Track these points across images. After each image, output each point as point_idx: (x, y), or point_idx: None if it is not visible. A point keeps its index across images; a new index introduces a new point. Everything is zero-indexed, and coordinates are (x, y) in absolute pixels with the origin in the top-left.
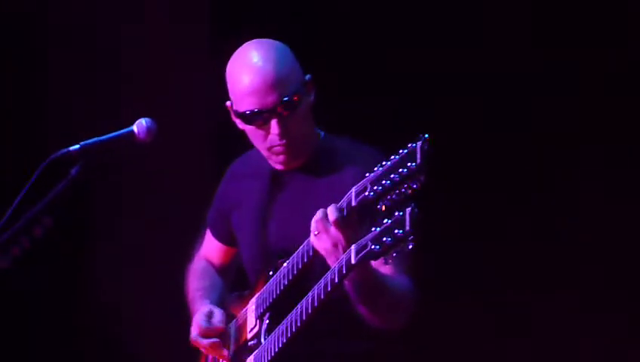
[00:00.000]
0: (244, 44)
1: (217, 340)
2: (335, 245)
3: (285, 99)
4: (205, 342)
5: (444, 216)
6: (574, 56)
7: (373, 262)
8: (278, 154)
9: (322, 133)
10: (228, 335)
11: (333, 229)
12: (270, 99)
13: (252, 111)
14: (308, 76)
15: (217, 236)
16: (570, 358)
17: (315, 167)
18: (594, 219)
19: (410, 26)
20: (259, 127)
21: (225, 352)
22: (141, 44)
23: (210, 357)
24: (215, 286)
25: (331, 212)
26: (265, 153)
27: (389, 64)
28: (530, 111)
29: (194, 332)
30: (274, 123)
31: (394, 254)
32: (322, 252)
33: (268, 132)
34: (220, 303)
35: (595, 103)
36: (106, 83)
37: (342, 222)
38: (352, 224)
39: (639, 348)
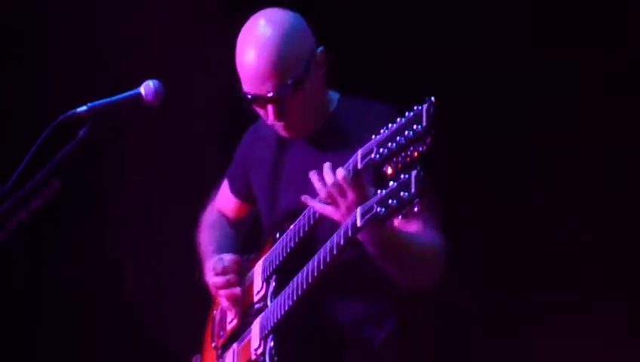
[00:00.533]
0: (252, 19)
1: (232, 276)
2: (344, 206)
3: (280, 88)
4: (220, 280)
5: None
6: (573, 57)
7: (399, 221)
8: (280, 131)
9: (336, 97)
10: (241, 276)
11: (340, 190)
12: (265, 88)
13: (250, 95)
14: (320, 49)
15: (234, 190)
16: (571, 358)
17: (327, 134)
18: (594, 219)
19: (408, 28)
20: (259, 108)
21: (237, 290)
22: (150, 5)
23: (217, 316)
24: (227, 240)
25: (339, 173)
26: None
27: (388, 65)
28: (528, 113)
29: (208, 275)
30: (270, 108)
31: (400, 217)
32: (330, 214)
33: (267, 113)
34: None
35: (595, 104)
36: (111, 44)
37: (349, 183)
38: (359, 185)
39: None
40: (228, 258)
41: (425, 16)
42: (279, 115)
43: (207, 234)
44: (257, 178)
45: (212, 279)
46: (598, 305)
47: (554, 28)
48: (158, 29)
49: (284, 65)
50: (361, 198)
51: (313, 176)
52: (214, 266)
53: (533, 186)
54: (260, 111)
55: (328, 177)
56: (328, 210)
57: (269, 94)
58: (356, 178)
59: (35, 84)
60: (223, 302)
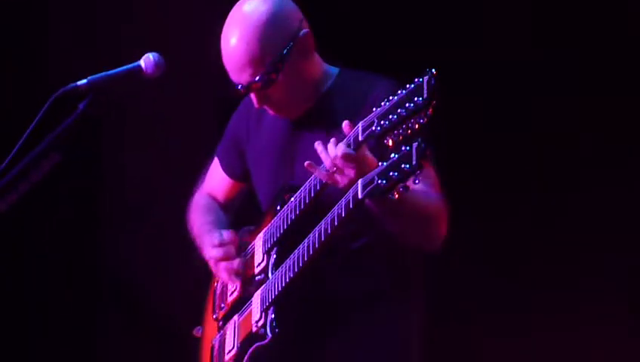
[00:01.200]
0: (235, 7)
1: (230, 247)
2: (347, 177)
3: (257, 78)
4: (218, 252)
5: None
6: (574, 56)
7: None
8: (270, 114)
9: (336, 72)
10: (238, 248)
11: (341, 162)
12: (244, 77)
13: (234, 84)
14: (302, 32)
15: (226, 168)
16: (572, 358)
17: (320, 112)
18: (594, 219)
19: (408, 25)
20: (244, 95)
21: (237, 262)
22: None
23: (218, 288)
24: (220, 222)
25: (339, 148)
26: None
27: (388, 64)
28: (529, 111)
29: (207, 248)
30: (252, 95)
31: (401, 189)
32: (334, 182)
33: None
34: None
35: (595, 103)
36: (110, 17)
37: (349, 156)
38: (359, 158)
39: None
40: (227, 232)
41: (425, 14)
42: (261, 102)
43: (201, 216)
44: (252, 150)
45: (210, 252)
46: (599, 304)
47: (555, 25)
48: (158, 2)
49: (261, 55)
50: (363, 170)
51: (318, 146)
52: (212, 239)
53: (535, 183)
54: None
55: (332, 150)
56: (333, 178)
57: (247, 82)
58: (357, 150)
59: (34, 57)
60: (223, 274)
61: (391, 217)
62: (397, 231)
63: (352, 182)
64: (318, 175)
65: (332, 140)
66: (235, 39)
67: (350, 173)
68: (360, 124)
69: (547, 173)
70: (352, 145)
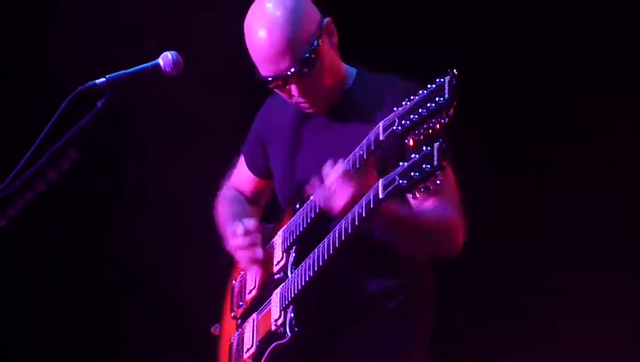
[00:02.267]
0: (254, 4)
1: (254, 236)
2: (340, 203)
3: (299, 62)
4: (242, 241)
5: None
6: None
7: (413, 199)
8: (305, 108)
9: (355, 71)
10: (262, 237)
11: (339, 181)
12: (283, 65)
13: (269, 78)
14: (326, 20)
15: (251, 167)
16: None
17: (344, 107)
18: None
19: (408, 25)
20: (279, 89)
21: (259, 251)
22: None
23: (237, 287)
24: (246, 213)
25: (339, 165)
26: (293, 104)
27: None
28: (530, 111)
29: (230, 238)
30: (293, 87)
31: (422, 189)
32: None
33: (290, 92)
34: None
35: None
36: (130, 15)
37: (347, 178)
38: (358, 176)
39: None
40: (249, 221)
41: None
42: (303, 91)
43: (227, 208)
44: (275, 151)
45: (233, 241)
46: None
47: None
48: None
49: (298, 39)
50: (360, 191)
51: (325, 167)
52: (235, 229)
53: (536, 185)
54: (281, 93)
55: (330, 169)
56: (327, 203)
57: (290, 71)
58: (364, 167)
59: (54, 55)
60: (245, 264)
61: (398, 236)
62: (405, 248)
63: (347, 208)
64: (315, 197)
65: (328, 162)
66: (267, 29)
67: (346, 194)
68: (381, 124)
69: (547, 172)
70: (357, 163)
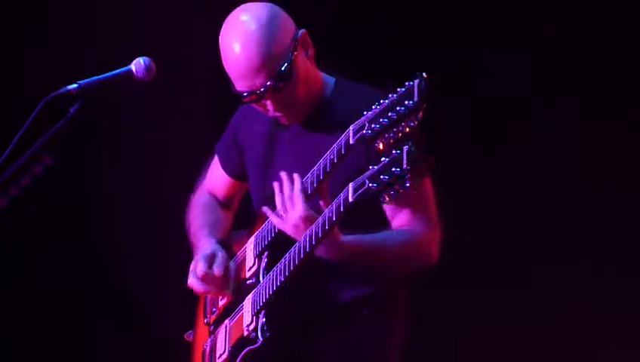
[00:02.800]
0: (229, 17)
1: (214, 289)
2: (290, 221)
3: (274, 77)
4: (202, 288)
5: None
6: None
7: (389, 209)
8: (282, 120)
9: (333, 81)
10: (227, 279)
11: (290, 203)
12: (258, 81)
13: (244, 93)
14: (300, 32)
15: (226, 168)
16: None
17: (322, 118)
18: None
19: (408, 26)
20: (255, 103)
21: (221, 298)
22: None
23: (208, 300)
24: (219, 222)
25: (294, 186)
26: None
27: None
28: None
29: (192, 275)
30: (268, 102)
31: (392, 193)
32: (280, 226)
33: (265, 106)
34: (224, 240)
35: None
36: (106, 23)
37: (298, 199)
38: (306, 206)
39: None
40: (217, 263)
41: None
42: (278, 105)
43: (199, 215)
44: (251, 156)
45: (193, 282)
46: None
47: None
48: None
49: (273, 54)
50: (305, 221)
51: (276, 186)
52: (200, 268)
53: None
54: (257, 107)
55: (286, 188)
56: (280, 225)
57: (265, 86)
58: (312, 195)
59: (26, 61)
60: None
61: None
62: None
63: (295, 234)
64: (271, 218)
65: (283, 174)
66: (242, 44)
67: (293, 221)
68: (351, 128)
69: (546, 172)
70: (314, 181)
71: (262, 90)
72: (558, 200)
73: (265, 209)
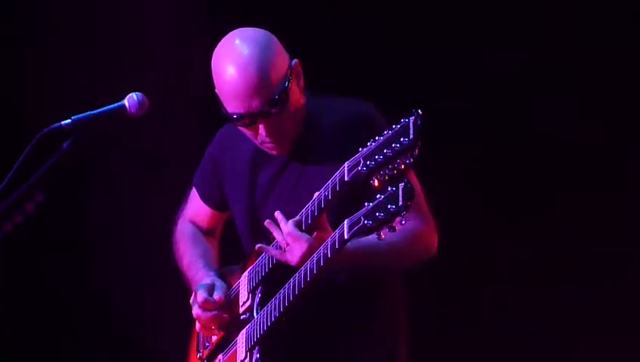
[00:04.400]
0: (226, 38)
1: (216, 313)
2: (297, 254)
3: (269, 102)
4: (206, 315)
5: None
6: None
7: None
8: (270, 149)
9: (309, 104)
10: (227, 308)
11: (290, 239)
12: (254, 104)
13: (238, 115)
14: (294, 62)
15: (206, 199)
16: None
17: (305, 141)
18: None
19: (407, 26)
20: (246, 127)
21: (225, 323)
22: (139, 19)
23: (202, 334)
24: (210, 254)
25: (289, 223)
26: (257, 144)
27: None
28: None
29: (195, 307)
30: (261, 126)
31: (387, 230)
32: (283, 260)
33: (257, 131)
34: (220, 272)
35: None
36: (103, 57)
37: (299, 233)
38: (313, 230)
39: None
40: (217, 292)
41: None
42: (270, 132)
43: (189, 249)
44: (232, 187)
45: (197, 311)
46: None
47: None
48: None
49: (270, 78)
50: (312, 248)
51: (269, 224)
52: (202, 296)
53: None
54: (247, 132)
55: (283, 226)
56: (282, 257)
57: (260, 110)
58: (307, 231)
59: (16, 96)
60: (198, 326)
61: (360, 268)
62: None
63: (303, 262)
64: (271, 253)
65: (277, 213)
66: (240, 67)
67: (298, 252)
68: (346, 164)
69: (546, 172)
70: (309, 217)
71: (256, 112)
72: (557, 200)
73: (260, 246)
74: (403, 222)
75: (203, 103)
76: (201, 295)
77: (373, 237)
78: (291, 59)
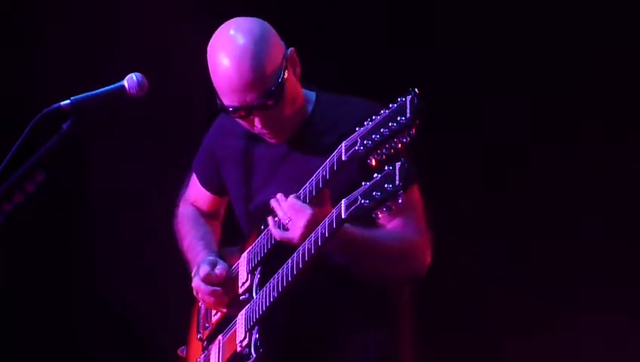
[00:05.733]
0: (222, 28)
1: (219, 289)
2: (297, 230)
3: (265, 94)
4: (207, 288)
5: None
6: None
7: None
8: (269, 138)
9: (314, 96)
10: (227, 285)
11: (291, 213)
12: (250, 97)
13: (234, 107)
14: (289, 50)
15: (205, 184)
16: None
17: (306, 136)
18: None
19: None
20: (243, 119)
21: (225, 300)
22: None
23: (203, 308)
24: (211, 235)
25: (290, 198)
26: (255, 132)
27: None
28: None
29: (196, 278)
30: (257, 118)
31: (384, 209)
32: (285, 239)
33: (253, 122)
34: (221, 253)
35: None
36: (101, 40)
37: (297, 206)
38: (309, 208)
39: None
40: (219, 267)
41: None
42: (267, 123)
43: (190, 230)
44: (229, 171)
45: (199, 284)
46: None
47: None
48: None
49: (266, 70)
50: (316, 220)
51: (272, 202)
52: (204, 270)
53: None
54: (243, 123)
55: (283, 202)
56: (284, 235)
57: (255, 103)
58: (318, 197)
59: (17, 78)
60: (201, 303)
61: (356, 257)
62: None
63: (304, 236)
64: (272, 232)
65: (280, 196)
66: (235, 59)
67: (300, 223)
68: (343, 144)
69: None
70: (307, 197)
71: (252, 105)
72: (557, 201)
73: (268, 219)
74: (400, 201)
75: (205, 89)
76: (204, 268)
77: (372, 230)
78: (287, 47)
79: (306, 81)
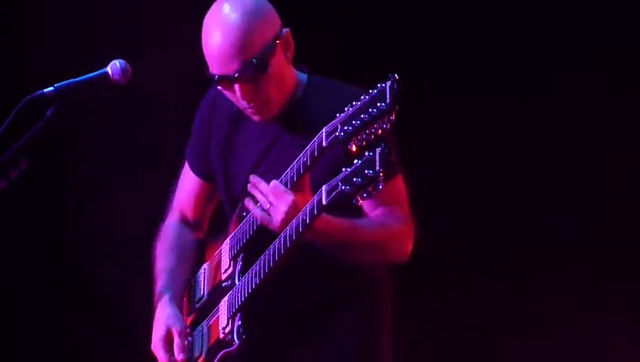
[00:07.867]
0: (216, 3)
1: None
2: (278, 214)
3: (246, 65)
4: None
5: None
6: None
7: (364, 204)
8: (252, 114)
9: (304, 79)
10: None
11: (272, 198)
12: (232, 67)
13: (217, 76)
14: (284, 30)
15: (195, 169)
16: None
17: (295, 119)
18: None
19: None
20: (226, 89)
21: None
22: None
23: (186, 295)
24: (181, 268)
25: (272, 182)
26: (240, 108)
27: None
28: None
29: (156, 338)
30: (237, 89)
31: (364, 195)
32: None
33: (235, 93)
34: (184, 286)
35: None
36: (82, 25)
37: (279, 190)
38: (290, 194)
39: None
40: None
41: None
42: (247, 96)
43: (163, 256)
44: (215, 151)
45: (156, 340)
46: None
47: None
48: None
49: (249, 44)
50: (296, 206)
51: (251, 187)
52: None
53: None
54: (229, 95)
55: (264, 186)
56: (265, 218)
57: (236, 74)
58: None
59: (10, 27)
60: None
61: (337, 246)
62: (347, 257)
63: (285, 222)
64: (253, 213)
65: (257, 179)
66: (222, 30)
67: (282, 208)
68: (324, 130)
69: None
70: (288, 183)
71: (234, 75)
72: (556, 200)
73: (246, 202)
74: (380, 186)
75: (195, 77)
76: (161, 358)
77: (354, 219)
78: (283, 27)
79: (298, 63)
